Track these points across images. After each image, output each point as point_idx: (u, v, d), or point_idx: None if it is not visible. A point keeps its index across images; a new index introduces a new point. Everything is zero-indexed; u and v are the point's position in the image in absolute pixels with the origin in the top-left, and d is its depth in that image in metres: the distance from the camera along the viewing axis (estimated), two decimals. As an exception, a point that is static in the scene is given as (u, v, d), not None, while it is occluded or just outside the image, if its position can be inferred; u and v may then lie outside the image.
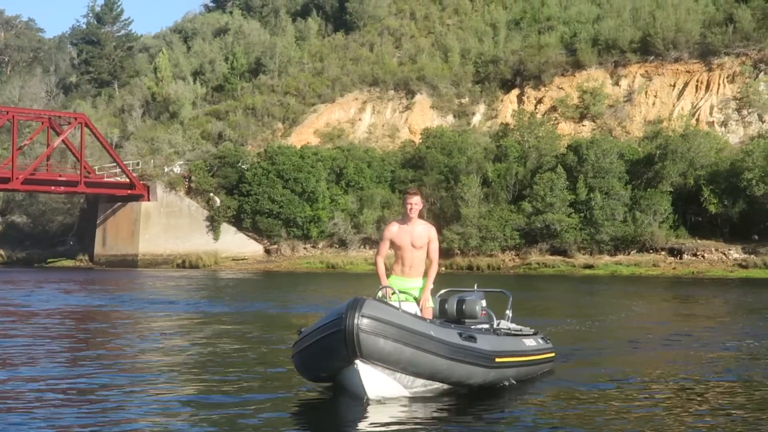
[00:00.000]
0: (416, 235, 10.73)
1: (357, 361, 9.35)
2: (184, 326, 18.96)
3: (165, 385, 11.19)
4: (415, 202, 10.75)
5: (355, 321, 9.17)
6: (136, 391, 10.64)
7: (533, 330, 12.51)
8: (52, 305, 26.18)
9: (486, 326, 11.58)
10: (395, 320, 9.43)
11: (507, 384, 10.90)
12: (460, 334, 10.13)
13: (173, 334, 17.64)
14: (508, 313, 12.58)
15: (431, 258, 10.83)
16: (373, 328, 9.25)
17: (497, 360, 10.42)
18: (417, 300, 10.65)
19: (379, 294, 10.36)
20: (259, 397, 10.23)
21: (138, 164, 71.39)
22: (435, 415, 9.43)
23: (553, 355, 12.36)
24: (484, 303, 11.91)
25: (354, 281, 46.20)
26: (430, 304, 10.90)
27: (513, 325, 12.33)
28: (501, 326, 11.88)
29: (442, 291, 12.25)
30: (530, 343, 11.65)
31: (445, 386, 10.12)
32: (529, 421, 9.22)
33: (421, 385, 9.90)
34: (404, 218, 10.86)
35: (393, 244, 10.84)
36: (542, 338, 12.29)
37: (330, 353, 9.53)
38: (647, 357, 14.84)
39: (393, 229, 10.87)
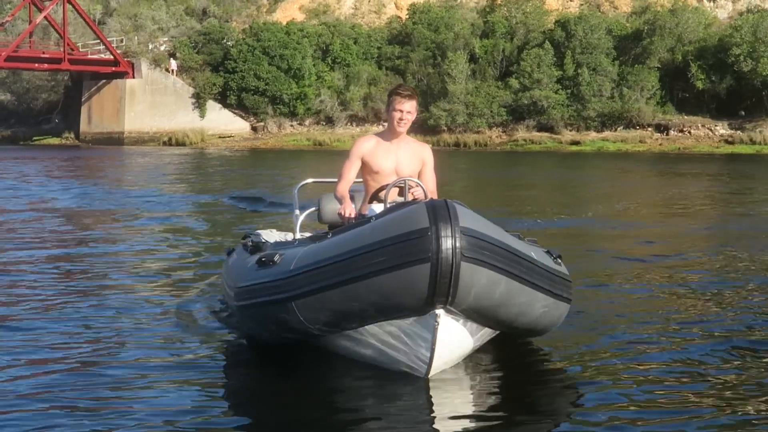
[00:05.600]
0: (404, 159, 6.94)
1: (439, 312, 5.63)
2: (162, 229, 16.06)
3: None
4: (408, 110, 6.84)
5: (456, 243, 5.44)
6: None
7: None
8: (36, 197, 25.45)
9: None
10: (498, 238, 5.85)
11: None
12: (549, 253, 6.74)
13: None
14: None
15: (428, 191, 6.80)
16: (477, 254, 5.55)
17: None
18: None
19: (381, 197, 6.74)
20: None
21: (122, 41, 69.64)
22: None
23: None
24: None
25: (341, 157, 45.50)
26: None
27: None
28: None
29: (323, 196, 7.92)
30: None
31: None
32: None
33: (484, 341, 6.51)
34: (388, 131, 7.00)
35: (367, 169, 7.01)
36: None
37: (387, 296, 5.63)
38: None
39: (367, 146, 7.00)
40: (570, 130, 60.08)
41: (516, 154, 52.13)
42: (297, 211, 8.60)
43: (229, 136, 66.05)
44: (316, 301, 5.89)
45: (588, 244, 13.64)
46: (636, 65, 60.14)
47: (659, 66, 60.16)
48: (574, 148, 57.29)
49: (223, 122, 66.86)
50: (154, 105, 66.64)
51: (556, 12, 68.21)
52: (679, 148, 55.11)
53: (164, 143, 64.27)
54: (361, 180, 7.21)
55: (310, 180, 9.25)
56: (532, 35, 63.71)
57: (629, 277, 10.27)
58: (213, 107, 66.88)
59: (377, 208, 6.73)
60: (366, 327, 5.97)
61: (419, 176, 6.97)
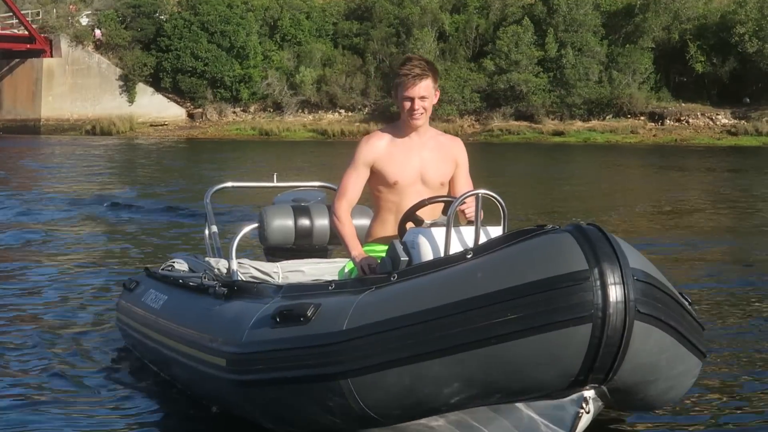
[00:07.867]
0: (430, 161, 5.77)
1: (588, 394, 4.46)
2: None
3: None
4: (422, 94, 5.57)
5: (629, 293, 4.23)
6: None
7: None
8: None
9: None
10: (666, 284, 4.68)
11: None
12: (683, 297, 5.10)
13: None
14: None
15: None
16: (652, 310, 4.37)
17: None
18: None
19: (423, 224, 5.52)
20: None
21: (38, 14, 68.89)
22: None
23: None
24: None
25: (291, 150, 44.96)
26: None
27: None
28: None
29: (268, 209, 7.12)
30: None
31: None
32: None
33: None
34: (401, 124, 5.76)
35: (379, 179, 5.73)
36: None
37: (510, 372, 4.37)
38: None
39: (379, 147, 5.71)
40: (552, 119, 59.75)
41: (491, 146, 51.93)
42: (213, 227, 7.37)
43: (162, 125, 65.57)
44: (389, 379, 4.55)
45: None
46: (627, 45, 60.00)
47: (653, 46, 59.97)
48: (557, 139, 57.07)
49: (155, 108, 66.35)
50: (76, 88, 66.01)
51: (536, -16, 68.02)
52: (675, 140, 55.07)
53: (87, 132, 63.55)
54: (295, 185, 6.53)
55: (229, 184, 7.97)
56: (510, 10, 63.36)
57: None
58: (144, 91, 66.30)
59: (439, 233, 5.25)
60: (455, 413, 4.71)
61: (452, 183, 5.84)
